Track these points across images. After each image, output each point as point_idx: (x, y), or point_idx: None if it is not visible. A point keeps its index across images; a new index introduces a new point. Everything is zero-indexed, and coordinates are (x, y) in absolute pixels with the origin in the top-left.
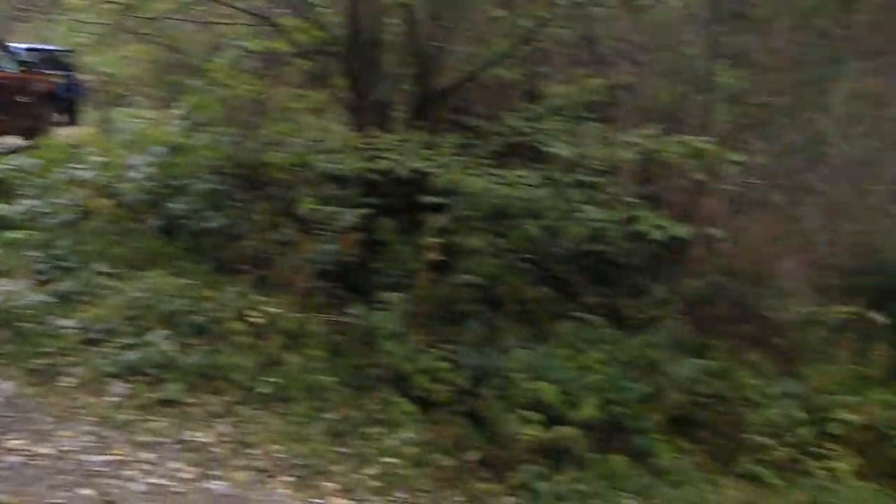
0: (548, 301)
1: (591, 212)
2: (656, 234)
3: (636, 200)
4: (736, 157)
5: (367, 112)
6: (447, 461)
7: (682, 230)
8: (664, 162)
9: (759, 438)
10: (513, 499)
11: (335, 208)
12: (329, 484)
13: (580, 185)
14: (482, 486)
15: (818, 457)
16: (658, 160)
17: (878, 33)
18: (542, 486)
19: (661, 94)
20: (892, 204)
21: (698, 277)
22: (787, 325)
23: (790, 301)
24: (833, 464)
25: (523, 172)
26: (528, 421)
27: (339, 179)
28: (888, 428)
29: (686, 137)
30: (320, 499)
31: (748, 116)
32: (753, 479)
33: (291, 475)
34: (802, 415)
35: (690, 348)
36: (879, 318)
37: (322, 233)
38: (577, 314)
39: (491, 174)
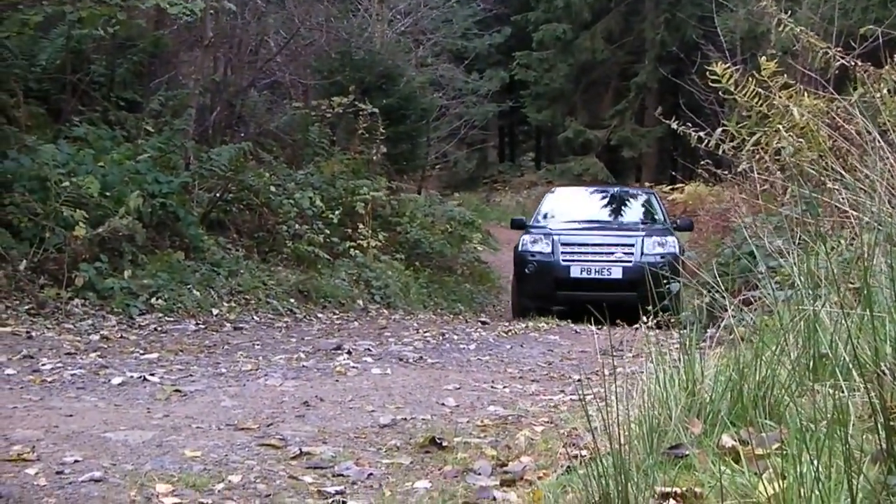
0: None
1: None
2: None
3: None
4: None
5: None
6: None
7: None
8: None
9: (295, 227)
10: (79, 300)
11: None
12: None
13: None
14: (45, 293)
15: (349, 238)
16: None
17: None
18: (107, 283)
19: None
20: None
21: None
22: (290, 123)
23: (288, 102)
24: (362, 242)
25: None
26: (75, 220)
27: None
28: (393, 215)
29: None
30: None
31: None
32: (299, 263)
33: None
34: (324, 204)
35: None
36: (367, 107)
37: None
38: (93, 114)
39: None
